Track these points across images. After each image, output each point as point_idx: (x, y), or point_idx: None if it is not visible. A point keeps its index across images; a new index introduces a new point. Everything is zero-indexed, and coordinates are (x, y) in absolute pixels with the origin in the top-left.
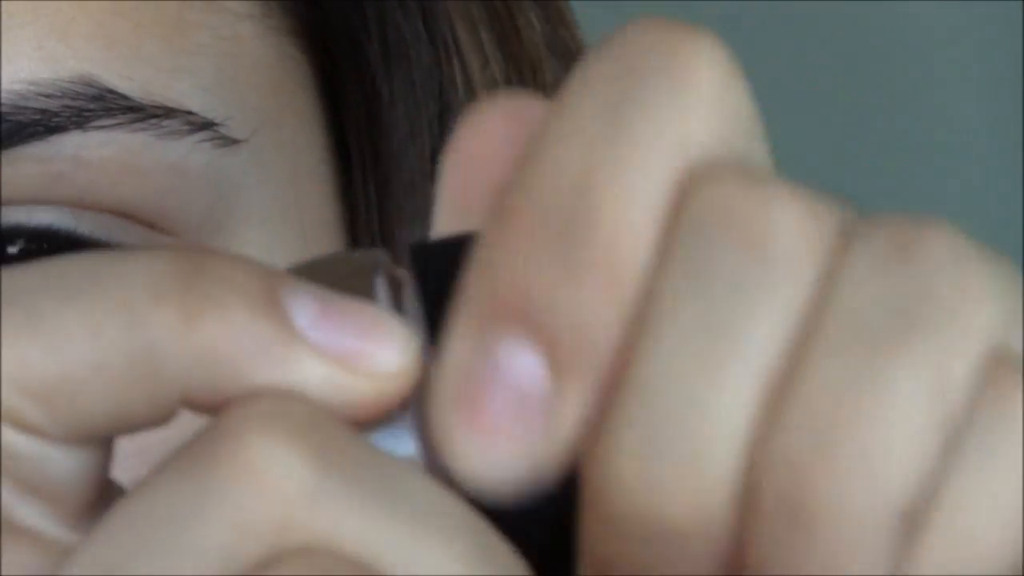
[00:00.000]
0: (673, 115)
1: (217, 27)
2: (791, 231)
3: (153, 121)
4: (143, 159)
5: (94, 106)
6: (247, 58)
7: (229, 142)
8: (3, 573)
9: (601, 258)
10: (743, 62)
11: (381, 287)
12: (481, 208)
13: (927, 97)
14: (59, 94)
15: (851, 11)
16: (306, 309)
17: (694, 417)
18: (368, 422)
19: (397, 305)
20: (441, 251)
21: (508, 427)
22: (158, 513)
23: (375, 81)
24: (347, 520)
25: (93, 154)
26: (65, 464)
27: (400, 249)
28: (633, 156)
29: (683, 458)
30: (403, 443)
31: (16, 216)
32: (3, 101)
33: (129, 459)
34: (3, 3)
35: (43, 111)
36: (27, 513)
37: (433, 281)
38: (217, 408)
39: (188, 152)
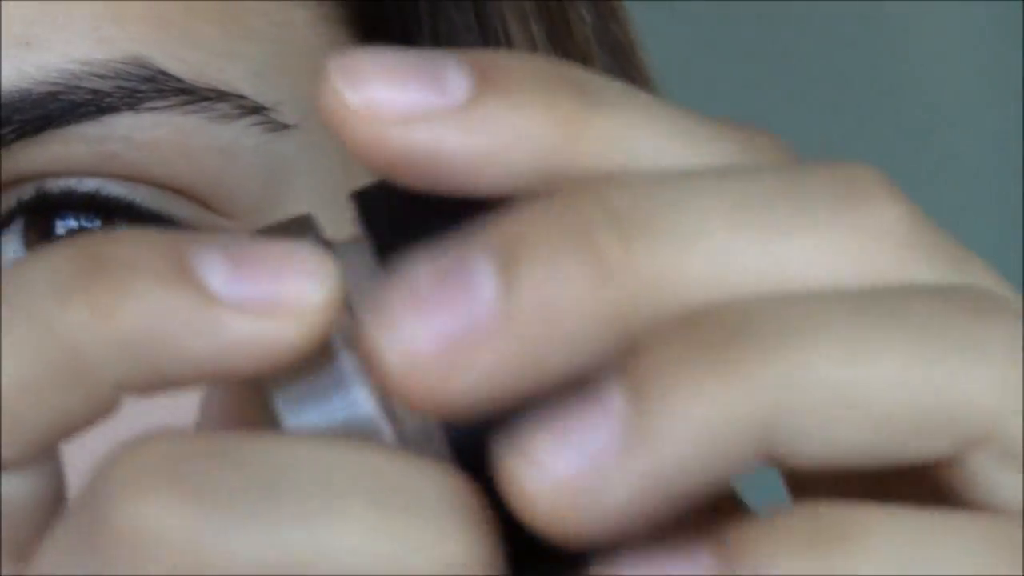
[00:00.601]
0: None
1: (270, 13)
2: None
3: (205, 104)
4: (194, 141)
5: (146, 87)
6: (299, 45)
7: (280, 127)
8: None
9: None
10: (743, 63)
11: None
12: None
13: (927, 97)
14: (112, 75)
15: (851, 11)
16: (217, 268)
17: None
18: (313, 366)
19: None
20: (383, 194)
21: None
22: None
23: None
24: (244, 542)
25: (145, 135)
26: (20, 489)
27: None
28: None
29: None
30: (351, 388)
31: (67, 184)
32: (57, 80)
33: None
34: None
35: (95, 91)
36: None
37: (377, 224)
38: (157, 389)
39: (239, 136)
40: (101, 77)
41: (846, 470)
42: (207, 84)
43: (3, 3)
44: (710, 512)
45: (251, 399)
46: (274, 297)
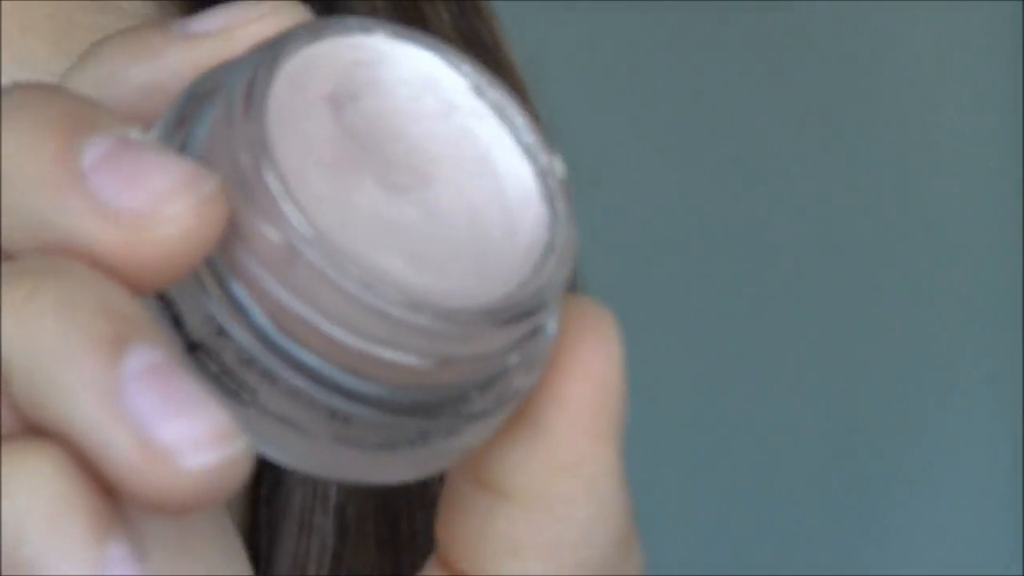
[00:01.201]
0: None
1: (108, 29)
2: None
3: None
4: None
5: None
6: None
7: None
8: None
9: None
10: (744, 64)
11: None
12: None
13: (926, 98)
14: None
15: (850, 11)
16: (96, 148)
17: None
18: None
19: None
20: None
21: None
22: None
23: None
24: None
25: None
26: None
27: None
28: None
29: None
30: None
31: None
32: None
33: None
34: None
35: None
36: None
37: None
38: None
39: None
40: None
41: None
42: None
43: None
44: None
45: None
46: (129, 204)
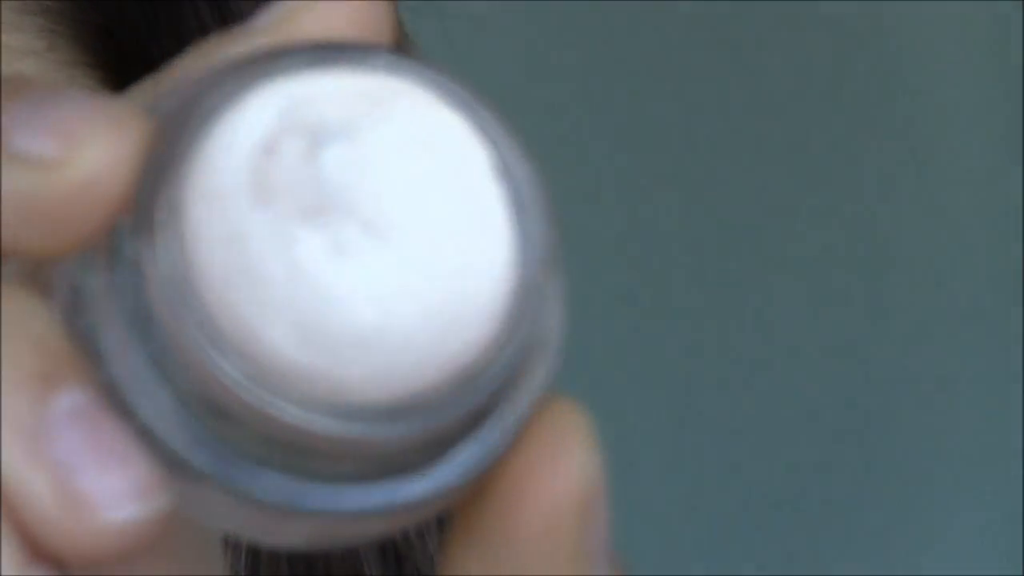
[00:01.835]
0: None
1: None
2: None
3: None
4: None
5: None
6: None
7: None
8: None
9: None
10: (744, 63)
11: None
12: None
13: (927, 97)
14: None
15: (850, 11)
16: (16, 111)
17: None
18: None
19: None
20: None
21: None
22: None
23: None
24: None
25: None
26: None
27: None
28: None
29: None
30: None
31: None
32: None
33: None
34: None
35: None
36: None
37: None
38: None
39: None
40: None
41: None
42: None
43: None
44: None
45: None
46: (54, 152)
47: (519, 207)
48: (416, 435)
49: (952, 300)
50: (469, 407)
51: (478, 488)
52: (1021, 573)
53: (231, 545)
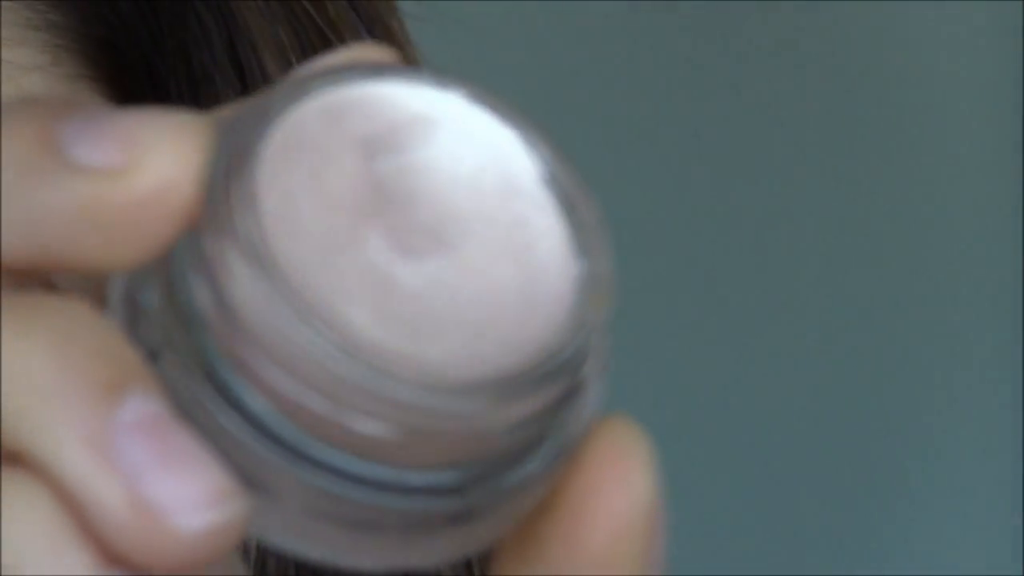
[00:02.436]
0: None
1: (3, 83)
2: None
3: None
4: None
5: None
6: None
7: None
8: None
9: None
10: (744, 63)
11: None
12: None
13: (927, 97)
14: None
15: (850, 11)
16: (71, 127)
17: None
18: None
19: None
20: None
21: None
22: None
23: None
24: None
25: None
26: None
27: None
28: None
29: None
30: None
31: None
32: None
33: None
34: None
35: None
36: None
37: None
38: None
39: None
40: None
41: None
42: None
43: None
44: None
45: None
46: (120, 159)
47: (567, 206)
48: (494, 414)
49: (952, 299)
50: (550, 381)
51: (551, 491)
52: (1021, 573)
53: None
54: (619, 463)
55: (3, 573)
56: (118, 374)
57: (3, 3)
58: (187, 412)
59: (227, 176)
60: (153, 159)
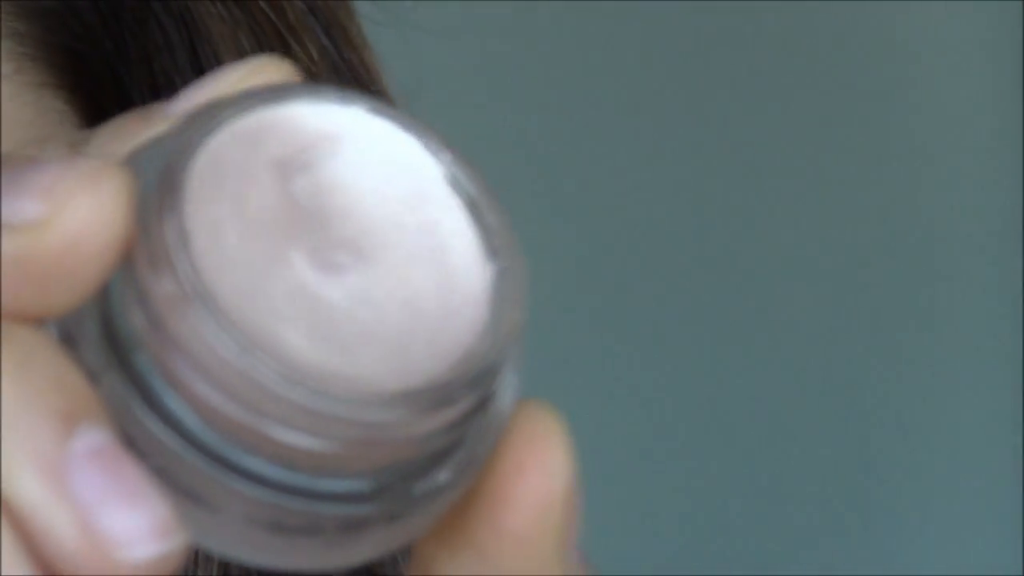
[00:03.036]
0: None
1: None
2: None
3: None
4: None
5: None
6: (2, 119)
7: None
8: None
9: None
10: (745, 63)
11: None
12: None
13: (927, 97)
14: None
15: (851, 11)
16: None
17: None
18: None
19: None
20: None
21: None
22: None
23: None
24: None
25: None
26: None
27: None
28: None
29: None
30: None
31: None
32: None
33: None
34: None
35: None
36: None
37: None
38: None
39: None
40: None
41: None
42: None
43: None
44: None
45: None
46: (41, 214)
47: (473, 207)
48: (422, 421)
49: (952, 300)
50: (474, 388)
51: (472, 485)
52: (1021, 573)
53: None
54: (539, 446)
55: None
56: (73, 404)
57: None
58: (128, 434)
59: (159, 211)
60: (71, 208)
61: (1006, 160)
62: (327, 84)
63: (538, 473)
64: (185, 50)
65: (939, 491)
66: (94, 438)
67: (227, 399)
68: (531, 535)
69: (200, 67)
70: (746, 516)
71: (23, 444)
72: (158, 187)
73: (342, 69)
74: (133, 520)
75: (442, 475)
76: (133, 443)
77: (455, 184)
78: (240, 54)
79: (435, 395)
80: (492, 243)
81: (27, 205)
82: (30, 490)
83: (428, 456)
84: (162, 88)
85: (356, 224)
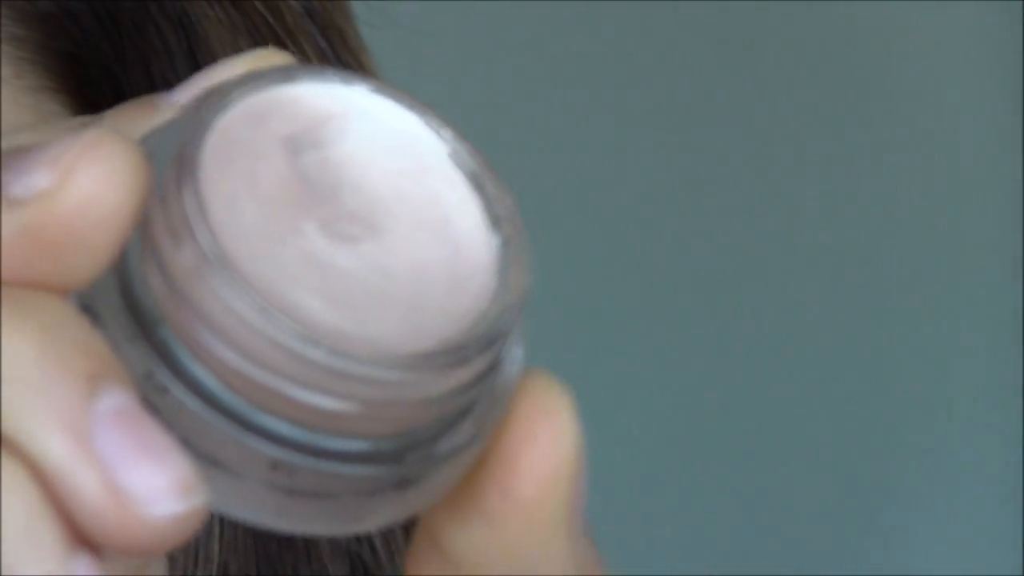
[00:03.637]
0: None
1: None
2: None
3: None
4: None
5: None
6: (1, 122)
7: None
8: None
9: None
10: (745, 63)
11: None
12: None
13: (927, 97)
14: None
15: (851, 11)
16: (9, 167)
17: None
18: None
19: None
20: None
21: None
22: None
23: None
24: None
25: None
26: None
27: None
28: None
29: None
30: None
31: None
32: None
33: None
34: None
35: None
36: None
37: None
38: None
39: None
40: None
41: None
42: None
43: None
44: None
45: None
46: (48, 184)
47: (475, 181)
48: (437, 383)
49: (952, 300)
50: (486, 349)
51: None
52: (1021, 573)
53: (203, 562)
54: (548, 415)
55: None
56: (96, 366)
57: None
58: (151, 402)
59: (176, 184)
60: (78, 176)
61: (1006, 160)
62: (331, 67)
63: (548, 441)
64: (183, 53)
65: (939, 491)
66: (117, 398)
67: (248, 361)
68: (540, 502)
69: (198, 70)
70: (746, 516)
71: (49, 405)
72: (174, 163)
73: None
74: (156, 477)
75: (456, 439)
76: (157, 411)
77: (457, 159)
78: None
79: (450, 356)
80: (495, 214)
81: (35, 178)
82: (56, 449)
83: (442, 420)
84: (160, 91)
85: (364, 197)
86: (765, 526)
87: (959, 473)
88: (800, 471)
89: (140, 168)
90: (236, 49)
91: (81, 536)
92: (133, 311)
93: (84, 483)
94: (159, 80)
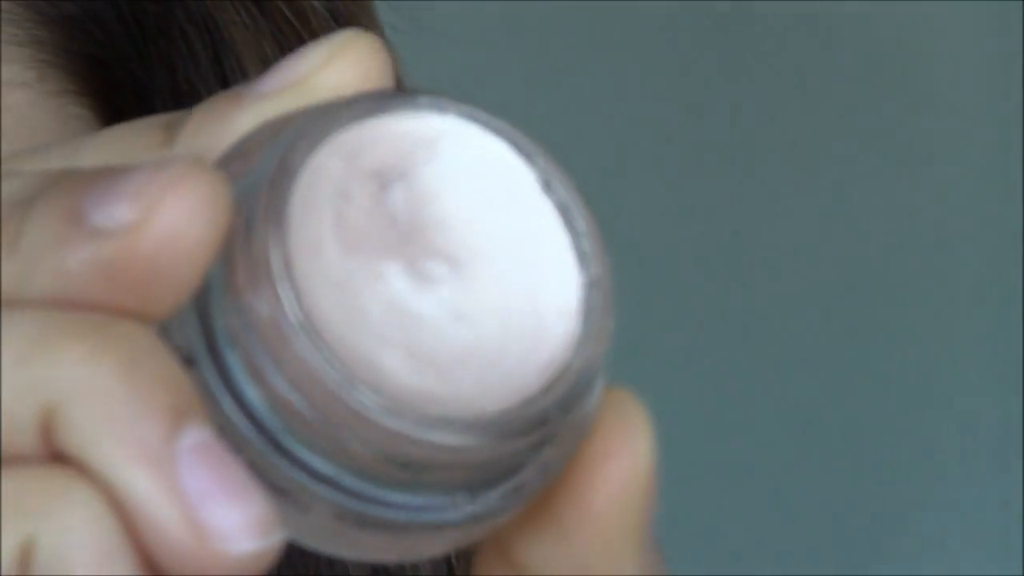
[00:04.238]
0: None
1: None
2: None
3: None
4: None
5: None
6: (24, 126)
7: None
8: None
9: None
10: (742, 62)
11: None
12: None
13: (927, 97)
14: None
15: (851, 11)
16: (93, 193)
17: None
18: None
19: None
20: None
21: None
22: None
23: None
24: None
25: None
26: None
27: None
28: None
29: None
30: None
31: None
32: None
33: None
34: None
35: None
36: None
37: None
38: None
39: None
40: None
41: None
42: None
43: None
44: None
45: None
46: (131, 218)
47: (568, 217)
48: (518, 442)
49: (952, 299)
50: (568, 407)
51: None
52: (1021, 574)
53: None
54: (626, 432)
55: (50, 563)
56: (179, 401)
57: None
58: (216, 423)
59: (263, 228)
60: (163, 211)
61: (1006, 160)
62: (421, 91)
63: (625, 457)
64: (208, 57)
65: (939, 491)
66: (200, 434)
67: (324, 422)
68: (615, 516)
69: (223, 74)
70: (748, 517)
71: (134, 440)
72: (262, 202)
73: None
74: (237, 515)
75: (530, 476)
76: (222, 433)
77: (547, 188)
78: (262, 60)
79: (531, 421)
80: (583, 250)
81: (118, 210)
82: (139, 484)
83: (520, 463)
84: (184, 95)
85: (451, 234)
86: (765, 526)
87: (959, 473)
88: (800, 471)
89: (225, 202)
90: (260, 53)
91: (152, 568)
92: (206, 332)
93: (166, 518)
94: (183, 83)
